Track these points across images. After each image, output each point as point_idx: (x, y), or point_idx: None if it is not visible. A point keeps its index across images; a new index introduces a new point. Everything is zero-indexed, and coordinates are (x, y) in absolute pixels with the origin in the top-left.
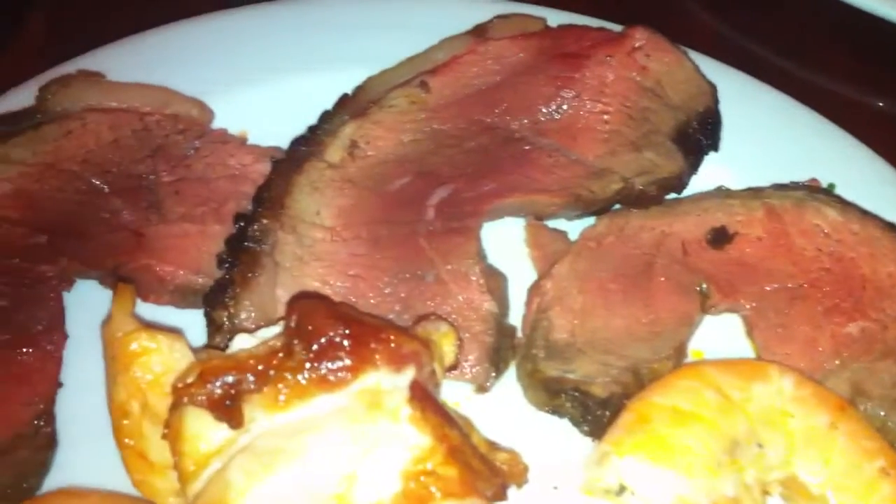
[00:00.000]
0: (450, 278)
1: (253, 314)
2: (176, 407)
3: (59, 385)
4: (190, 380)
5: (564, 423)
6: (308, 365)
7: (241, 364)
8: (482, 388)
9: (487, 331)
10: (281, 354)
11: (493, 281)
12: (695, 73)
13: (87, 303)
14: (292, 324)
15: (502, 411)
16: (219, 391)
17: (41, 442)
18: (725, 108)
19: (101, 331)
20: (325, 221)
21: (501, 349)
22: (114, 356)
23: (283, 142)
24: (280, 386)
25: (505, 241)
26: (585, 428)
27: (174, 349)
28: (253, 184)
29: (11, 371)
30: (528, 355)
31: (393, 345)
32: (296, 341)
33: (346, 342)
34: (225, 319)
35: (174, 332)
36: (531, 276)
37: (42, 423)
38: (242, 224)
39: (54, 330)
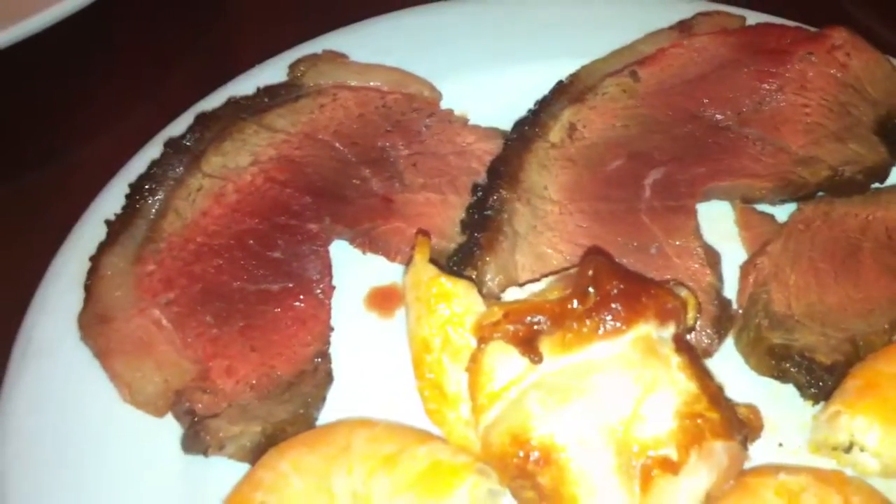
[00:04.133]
0: (673, 252)
1: (497, 276)
2: (484, 341)
3: (331, 329)
4: (494, 319)
5: (773, 390)
6: (593, 313)
7: (539, 307)
8: (706, 353)
9: (711, 301)
10: (575, 301)
11: (711, 257)
12: (893, 71)
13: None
14: (590, 273)
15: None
16: (522, 329)
17: (320, 378)
18: None
19: (404, 277)
20: (552, 196)
21: (723, 320)
22: (418, 297)
23: (500, 123)
24: (567, 330)
25: (711, 223)
26: (811, 391)
27: (471, 294)
28: (478, 160)
29: (291, 315)
30: (749, 325)
31: (660, 300)
32: (590, 289)
33: (624, 295)
34: (473, 279)
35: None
36: (735, 254)
37: (320, 361)
38: (482, 195)
39: (324, 280)
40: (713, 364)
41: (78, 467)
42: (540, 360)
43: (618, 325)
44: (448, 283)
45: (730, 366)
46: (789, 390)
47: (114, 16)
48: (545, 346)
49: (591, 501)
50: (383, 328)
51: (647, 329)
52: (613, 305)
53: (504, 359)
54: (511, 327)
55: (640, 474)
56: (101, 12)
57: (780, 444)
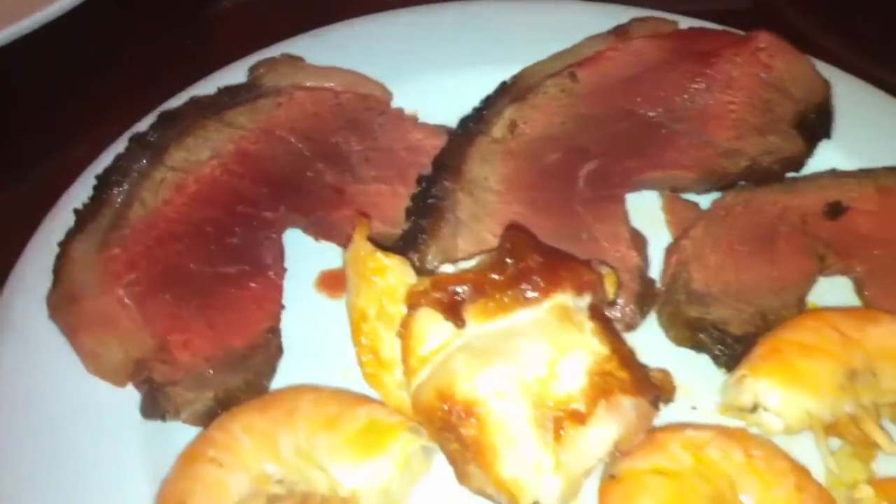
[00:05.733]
0: (602, 237)
1: (438, 258)
2: (413, 308)
3: (282, 307)
4: (422, 288)
5: (689, 359)
6: (512, 284)
7: (462, 277)
8: (630, 327)
9: (634, 279)
10: (494, 275)
11: (637, 241)
12: (812, 70)
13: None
14: (507, 246)
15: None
16: (446, 297)
17: (272, 351)
18: (837, 104)
19: (344, 254)
20: (493, 186)
21: (645, 297)
22: (357, 271)
23: (448, 122)
24: (489, 299)
25: (641, 210)
26: (723, 360)
27: (404, 268)
28: (427, 155)
29: (246, 295)
30: (670, 301)
31: (577, 273)
32: (508, 260)
33: (542, 268)
34: (416, 261)
35: (400, 255)
36: (663, 240)
37: (272, 336)
38: (426, 185)
39: (277, 264)
40: (637, 337)
41: (47, 432)
42: (463, 325)
43: (536, 295)
44: (383, 259)
45: (652, 339)
46: (704, 359)
47: (98, 22)
48: (471, 314)
49: (509, 451)
50: (332, 308)
51: (564, 298)
52: (534, 277)
53: (433, 326)
54: (437, 295)
55: (553, 426)
56: (86, 17)
57: (694, 408)
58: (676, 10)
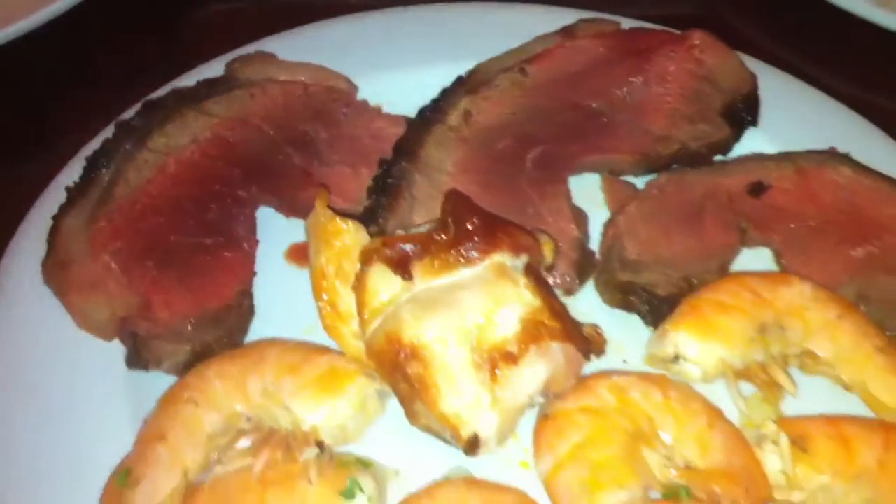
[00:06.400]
0: (546, 213)
1: (396, 232)
2: (366, 264)
3: (254, 274)
4: (375, 246)
5: (621, 318)
6: (455, 244)
7: (410, 237)
8: (569, 292)
9: (574, 250)
10: (439, 236)
11: (578, 217)
12: (740, 65)
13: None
14: (448, 208)
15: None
16: (396, 254)
17: (244, 311)
18: (764, 95)
19: (306, 222)
20: (447, 168)
21: (584, 265)
22: (317, 235)
23: (408, 113)
24: (435, 257)
25: (585, 190)
26: (650, 318)
27: (359, 231)
28: (388, 142)
29: (221, 263)
30: (605, 268)
31: (514, 236)
32: (450, 220)
33: (482, 230)
34: (376, 234)
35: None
36: (603, 217)
37: (244, 298)
38: (386, 167)
39: (249, 236)
40: (576, 301)
41: (43, 380)
42: (411, 279)
43: (476, 254)
44: (341, 223)
45: (590, 302)
46: (636, 319)
47: (87, 29)
48: (418, 271)
49: (450, 388)
50: (299, 275)
51: (502, 258)
52: (475, 238)
53: (384, 281)
54: (388, 252)
55: (489, 367)
56: (83, 19)
57: (625, 361)
58: (629, 14)
